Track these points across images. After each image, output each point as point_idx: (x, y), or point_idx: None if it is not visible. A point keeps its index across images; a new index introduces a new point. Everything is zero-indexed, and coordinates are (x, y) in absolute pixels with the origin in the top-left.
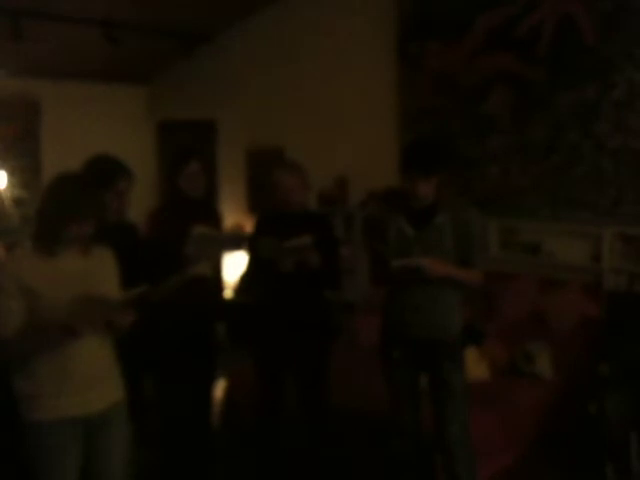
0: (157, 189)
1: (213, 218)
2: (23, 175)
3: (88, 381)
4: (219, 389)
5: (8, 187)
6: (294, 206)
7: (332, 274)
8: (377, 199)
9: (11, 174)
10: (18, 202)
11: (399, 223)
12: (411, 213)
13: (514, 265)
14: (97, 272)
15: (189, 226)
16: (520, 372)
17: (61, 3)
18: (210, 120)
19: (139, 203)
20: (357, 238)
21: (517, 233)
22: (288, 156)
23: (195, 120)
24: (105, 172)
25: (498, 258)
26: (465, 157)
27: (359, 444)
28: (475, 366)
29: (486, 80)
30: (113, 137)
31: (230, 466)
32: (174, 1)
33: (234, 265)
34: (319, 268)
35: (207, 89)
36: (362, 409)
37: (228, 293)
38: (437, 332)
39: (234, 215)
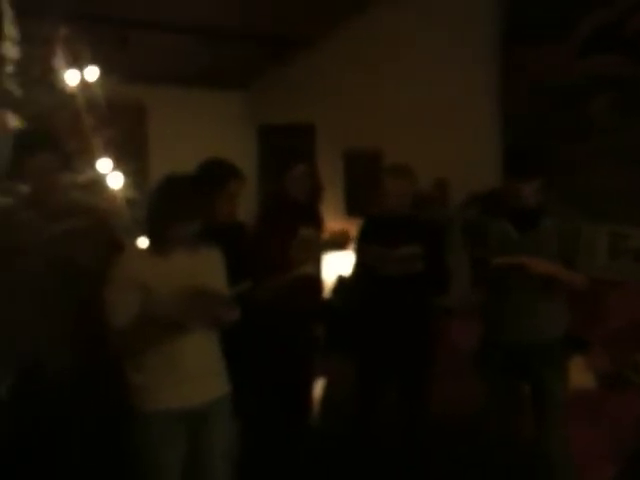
0: (256, 192)
1: (316, 221)
2: (131, 177)
3: (195, 374)
4: (317, 389)
5: (122, 188)
6: (403, 210)
7: (440, 279)
8: (478, 201)
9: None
10: (129, 202)
11: (502, 226)
12: (513, 216)
13: (623, 272)
14: (205, 270)
15: (294, 228)
16: (627, 383)
17: (165, 11)
18: (309, 124)
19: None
20: (457, 241)
21: (627, 239)
22: (390, 159)
23: (294, 124)
24: (217, 175)
25: (605, 265)
26: (568, 160)
27: (454, 450)
28: (579, 375)
29: (590, 81)
30: (214, 141)
31: (327, 466)
32: (273, 7)
33: (332, 267)
34: (426, 273)
35: (306, 93)
36: (458, 415)
37: (326, 294)
38: (538, 337)
39: (332, 218)
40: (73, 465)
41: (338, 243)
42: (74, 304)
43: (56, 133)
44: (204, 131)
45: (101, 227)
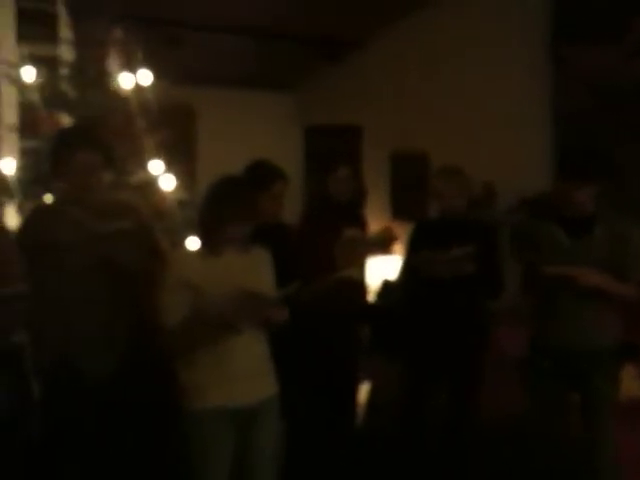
0: (303, 193)
1: (360, 223)
2: (181, 178)
3: (244, 374)
4: (362, 392)
5: (173, 190)
6: (455, 213)
7: (493, 282)
8: (527, 205)
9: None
10: (180, 203)
11: (553, 232)
12: (565, 222)
13: None
14: (255, 271)
15: (338, 229)
16: None
17: (214, 13)
18: (356, 125)
19: (285, 206)
20: (505, 246)
21: None
22: (437, 162)
23: (341, 125)
24: (262, 176)
25: None
26: (623, 165)
27: (500, 454)
28: (632, 384)
29: None
30: (262, 142)
31: (371, 469)
32: (322, 8)
33: (377, 271)
34: (479, 275)
35: (354, 94)
36: (503, 419)
37: (371, 297)
38: (589, 344)
39: (377, 221)
40: (123, 463)
41: (383, 241)
42: (116, 304)
43: (108, 134)
44: (252, 133)
45: (145, 229)
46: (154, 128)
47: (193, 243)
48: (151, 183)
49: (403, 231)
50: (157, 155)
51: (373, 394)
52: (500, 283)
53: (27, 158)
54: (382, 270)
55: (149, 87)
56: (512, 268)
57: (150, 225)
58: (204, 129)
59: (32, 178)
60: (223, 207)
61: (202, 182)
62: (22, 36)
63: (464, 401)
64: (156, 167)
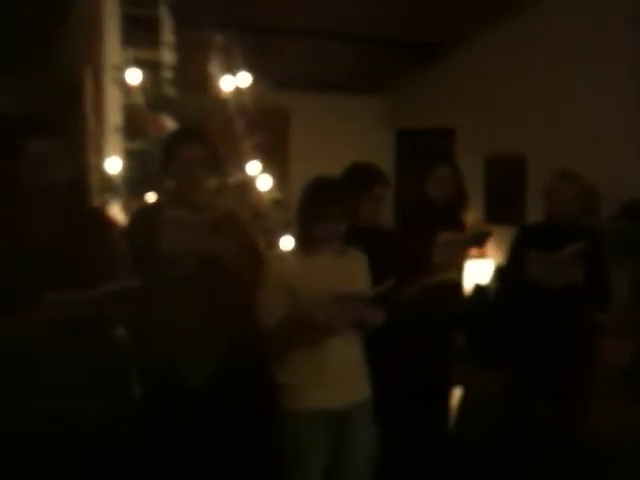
0: (394, 195)
1: (458, 226)
2: (275, 180)
3: (340, 377)
4: (454, 398)
5: (269, 190)
6: (564, 218)
7: (601, 294)
8: (628, 212)
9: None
10: (276, 204)
11: None
12: None
13: None
14: (350, 273)
15: (435, 232)
16: None
17: (309, 18)
18: (449, 128)
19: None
20: (606, 254)
21: None
22: (534, 165)
23: (433, 128)
24: (363, 178)
25: None
26: None
27: (602, 469)
28: None
29: None
30: (354, 145)
31: (464, 476)
32: (415, 10)
33: (469, 275)
34: (587, 287)
35: (446, 96)
36: (608, 434)
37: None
38: None
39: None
40: (220, 463)
41: (477, 238)
42: (216, 304)
43: (208, 136)
44: (344, 136)
45: (244, 229)
46: (251, 130)
47: (287, 243)
48: (249, 184)
49: (513, 238)
50: (254, 157)
51: (465, 400)
52: (609, 294)
53: (131, 158)
54: (474, 275)
55: (248, 90)
56: (615, 276)
57: (249, 226)
58: (297, 132)
59: (136, 178)
60: (314, 205)
61: (295, 184)
62: (126, 40)
63: (567, 415)
64: (253, 168)
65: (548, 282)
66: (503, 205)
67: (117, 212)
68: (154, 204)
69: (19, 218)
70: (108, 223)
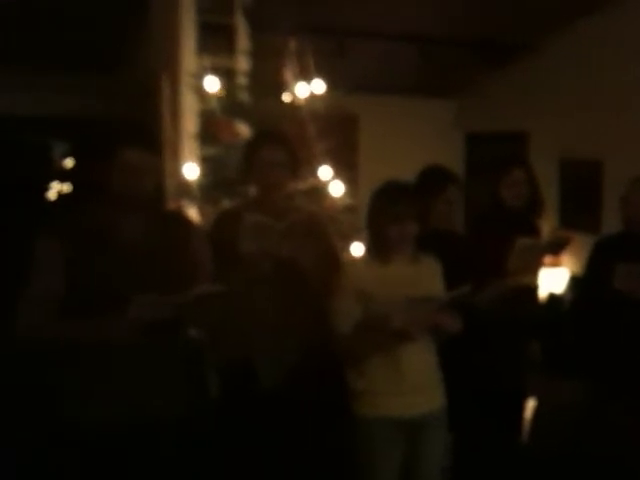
0: (464, 200)
1: (533, 232)
2: (345, 185)
3: (416, 385)
4: (527, 409)
5: (341, 195)
6: None
7: None
8: None
9: None
10: (348, 209)
11: None
12: None
13: None
14: (424, 278)
15: (510, 237)
16: None
17: (379, 21)
18: (521, 131)
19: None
20: None
21: None
22: (611, 170)
23: (504, 131)
24: (434, 180)
25: None
26: None
27: None
28: None
29: None
30: (423, 149)
31: None
32: (487, 12)
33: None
34: None
35: (518, 100)
36: None
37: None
38: None
39: (544, 229)
40: (292, 465)
41: (556, 246)
42: (292, 307)
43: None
44: (413, 140)
45: (322, 234)
46: (322, 135)
47: (358, 249)
48: (321, 189)
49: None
50: (325, 162)
51: (538, 411)
52: None
53: (207, 164)
54: (548, 283)
55: (321, 96)
56: None
57: (327, 231)
58: (366, 136)
59: (211, 183)
60: (387, 207)
61: (364, 188)
62: (202, 47)
63: None
64: (325, 173)
65: (638, 294)
66: (578, 211)
67: (193, 216)
68: (234, 208)
69: (110, 222)
70: (194, 228)
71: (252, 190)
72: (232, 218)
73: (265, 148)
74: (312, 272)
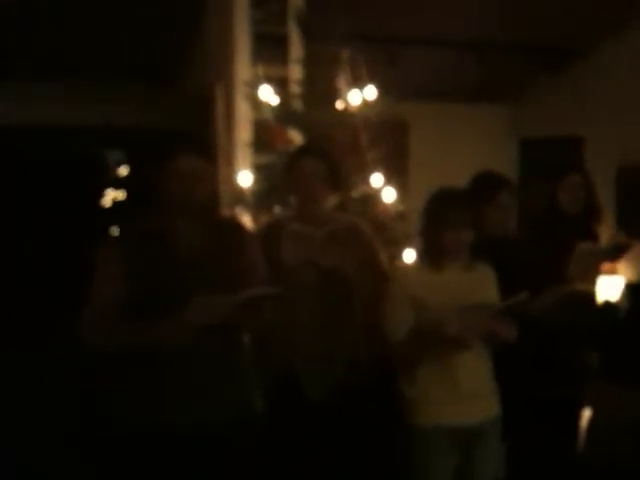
0: (518, 205)
1: (591, 237)
2: (397, 191)
3: (470, 393)
4: (584, 419)
5: (393, 202)
6: None
7: None
8: None
9: None
10: (400, 216)
11: None
12: None
13: None
14: (479, 286)
15: (568, 243)
16: None
17: (431, 27)
18: (576, 136)
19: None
20: None
21: None
22: None
23: (559, 137)
24: (488, 186)
25: None
26: None
27: None
28: None
29: None
30: (475, 155)
31: None
32: (543, 18)
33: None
34: None
35: (574, 105)
36: None
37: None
38: None
39: (603, 235)
40: (341, 476)
41: (620, 249)
42: (338, 318)
43: (335, 150)
44: (465, 146)
45: (364, 244)
46: (374, 142)
47: (410, 256)
48: (374, 196)
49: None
50: (377, 169)
51: (595, 420)
52: None
53: (261, 172)
54: (604, 290)
55: (373, 103)
56: None
57: (369, 239)
58: (417, 143)
59: (264, 191)
60: (442, 213)
61: (415, 195)
62: (256, 57)
63: None
64: (377, 180)
65: None
66: (636, 218)
67: (247, 223)
68: (279, 218)
69: (167, 229)
70: (248, 234)
71: (293, 200)
72: (276, 228)
73: (304, 160)
74: (355, 280)
